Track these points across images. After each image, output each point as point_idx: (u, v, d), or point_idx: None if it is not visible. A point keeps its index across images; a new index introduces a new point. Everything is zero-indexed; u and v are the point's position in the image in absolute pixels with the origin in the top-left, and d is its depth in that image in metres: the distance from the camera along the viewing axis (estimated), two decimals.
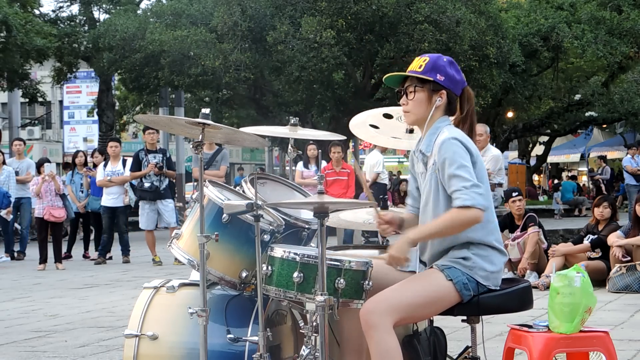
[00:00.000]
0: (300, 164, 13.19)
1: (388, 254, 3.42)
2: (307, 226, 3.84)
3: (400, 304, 3.32)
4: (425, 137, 3.52)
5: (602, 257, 9.02)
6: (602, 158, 27.77)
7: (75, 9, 28.15)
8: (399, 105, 3.70)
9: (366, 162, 14.62)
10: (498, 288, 3.48)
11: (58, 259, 12.17)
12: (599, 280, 8.44)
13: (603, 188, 24.92)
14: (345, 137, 4.58)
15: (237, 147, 46.77)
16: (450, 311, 3.44)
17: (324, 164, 13.05)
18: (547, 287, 8.37)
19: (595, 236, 9.26)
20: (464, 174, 3.34)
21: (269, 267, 3.44)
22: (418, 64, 3.52)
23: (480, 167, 3.46)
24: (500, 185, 9.57)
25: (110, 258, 13.15)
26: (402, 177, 30.12)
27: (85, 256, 13.90)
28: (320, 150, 13.23)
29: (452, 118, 3.57)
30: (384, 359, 3.27)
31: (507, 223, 9.62)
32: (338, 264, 3.38)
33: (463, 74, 3.62)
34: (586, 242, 9.32)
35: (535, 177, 40.90)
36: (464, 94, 3.56)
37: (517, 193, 9.70)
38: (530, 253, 9.28)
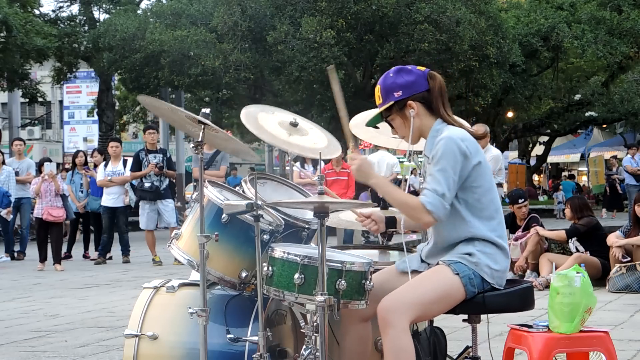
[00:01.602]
0: (298, 164, 13.19)
1: (357, 163, 3.47)
2: (307, 226, 3.84)
3: (416, 302, 3.34)
4: (427, 142, 3.52)
5: (601, 256, 9.02)
6: (614, 157, 27.72)
7: (75, 9, 28.21)
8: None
9: (379, 162, 14.56)
10: (502, 288, 3.48)
11: (57, 259, 12.14)
12: (594, 278, 8.44)
13: (618, 188, 24.89)
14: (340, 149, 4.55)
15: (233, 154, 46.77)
16: (453, 310, 3.45)
17: (322, 164, 13.01)
18: (546, 287, 8.37)
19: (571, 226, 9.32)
20: (442, 178, 3.35)
21: (270, 268, 3.44)
22: (377, 95, 3.57)
23: (484, 165, 3.45)
24: (500, 185, 9.59)
25: (110, 258, 13.15)
26: (401, 177, 30.04)
27: (85, 256, 13.89)
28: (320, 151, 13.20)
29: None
30: (398, 358, 3.28)
31: (508, 223, 9.63)
32: (339, 265, 3.38)
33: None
34: (571, 241, 9.35)
35: (535, 177, 40.90)
36: (430, 81, 3.51)
37: (523, 200, 9.70)
38: (530, 252, 9.29)
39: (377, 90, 3.55)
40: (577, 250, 9.20)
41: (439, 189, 3.34)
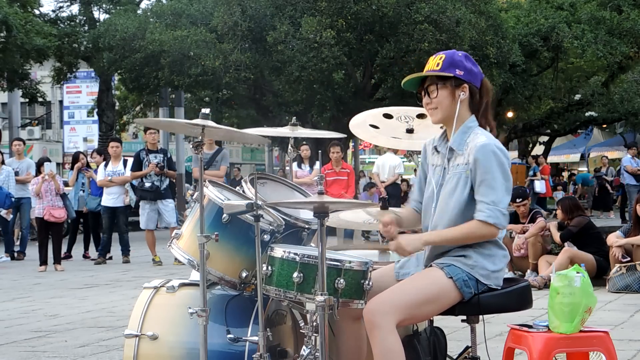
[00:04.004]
0: (295, 164, 13.19)
1: (396, 241, 3.42)
2: (307, 226, 3.84)
3: (402, 303, 3.32)
4: (456, 135, 3.50)
5: (597, 254, 9.00)
6: (605, 158, 27.77)
7: (75, 9, 28.19)
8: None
9: (384, 164, 14.92)
10: (499, 287, 3.48)
11: (57, 260, 12.12)
12: (589, 275, 8.41)
13: (609, 188, 24.99)
14: (345, 136, 4.58)
15: (239, 144, 46.79)
16: (451, 310, 3.44)
17: (318, 164, 13.04)
18: (545, 286, 8.38)
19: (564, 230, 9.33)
20: (496, 185, 3.37)
21: (269, 267, 3.44)
22: (435, 63, 3.51)
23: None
24: None
25: (111, 258, 13.15)
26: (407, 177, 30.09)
27: (85, 256, 13.89)
28: (320, 151, 13.25)
29: None
30: (386, 359, 3.27)
31: (511, 220, 9.69)
32: (338, 264, 3.38)
33: None
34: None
35: None
36: (483, 86, 3.55)
37: (521, 199, 9.71)
38: (532, 234, 9.33)
39: (438, 58, 3.51)
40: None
41: (494, 199, 3.36)
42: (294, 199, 4.04)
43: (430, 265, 3.48)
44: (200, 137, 3.53)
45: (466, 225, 3.39)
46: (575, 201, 10.07)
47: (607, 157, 28.45)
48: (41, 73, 29.76)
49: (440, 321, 3.83)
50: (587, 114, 29.13)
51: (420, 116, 4.41)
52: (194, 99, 29.08)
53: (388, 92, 21.47)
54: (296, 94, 20.60)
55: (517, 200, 9.69)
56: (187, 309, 3.52)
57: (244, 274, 3.67)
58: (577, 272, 3.47)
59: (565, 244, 9.29)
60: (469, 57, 3.55)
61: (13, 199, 13.42)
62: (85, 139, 30.25)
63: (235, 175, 19.71)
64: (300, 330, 3.63)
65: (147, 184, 12.25)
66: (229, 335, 3.63)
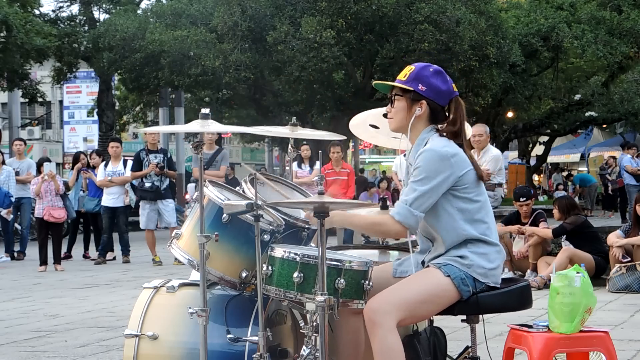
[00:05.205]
0: (295, 164, 13.18)
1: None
2: (307, 226, 3.83)
3: (402, 302, 3.35)
4: (413, 149, 3.56)
5: (594, 254, 8.99)
6: (613, 158, 27.75)
7: (75, 9, 28.20)
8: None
9: (402, 162, 14.89)
10: (498, 285, 3.49)
11: (57, 260, 12.12)
12: (589, 274, 8.38)
13: (610, 188, 25.03)
14: (344, 137, 4.58)
15: (239, 144, 46.81)
16: (451, 310, 3.45)
17: (318, 164, 13.04)
18: (545, 286, 8.38)
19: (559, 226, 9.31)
20: (417, 188, 3.39)
21: (269, 267, 3.44)
22: (404, 73, 3.56)
23: (471, 173, 3.46)
24: (500, 185, 9.57)
25: (114, 259, 13.14)
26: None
27: (85, 256, 13.89)
28: (320, 151, 13.22)
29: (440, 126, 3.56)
30: (386, 358, 3.29)
31: (513, 221, 9.67)
32: (338, 264, 3.38)
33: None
34: (562, 241, 9.34)
35: (535, 177, 40.90)
36: (452, 104, 3.54)
37: (524, 198, 9.68)
38: (536, 242, 9.28)
39: (408, 69, 3.55)
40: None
41: (408, 199, 3.40)
42: (293, 199, 4.03)
43: (428, 266, 3.50)
44: (200, 137, 3.53)
45: (379, 217, 3.50)
46: (572, 200, 10.06)
47: (614, 157, 28.41)
48: (41, 73, 29.75)
49: (440, 321, 3.83)
50: (587, 114, 29.14)
51: None
52: (194, 99, 29.08)
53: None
54: (296, 94, 20.60)
55: (521, 199, 9.68)
56: (187, 309, 3.51)
57: (244, 274, 3.67)
58: (577, 272, 3.47)
59: (563, 243, 9.28)
60: (441, 74, 3.54)
61: (12, 199, 13.42)
62: (85, 139, 30.20)
63: (229, 174, 19.71)
64: (300, 330, 3.63)
65: (147, 184, 12.25)
66: (229, 335, 3.63)
